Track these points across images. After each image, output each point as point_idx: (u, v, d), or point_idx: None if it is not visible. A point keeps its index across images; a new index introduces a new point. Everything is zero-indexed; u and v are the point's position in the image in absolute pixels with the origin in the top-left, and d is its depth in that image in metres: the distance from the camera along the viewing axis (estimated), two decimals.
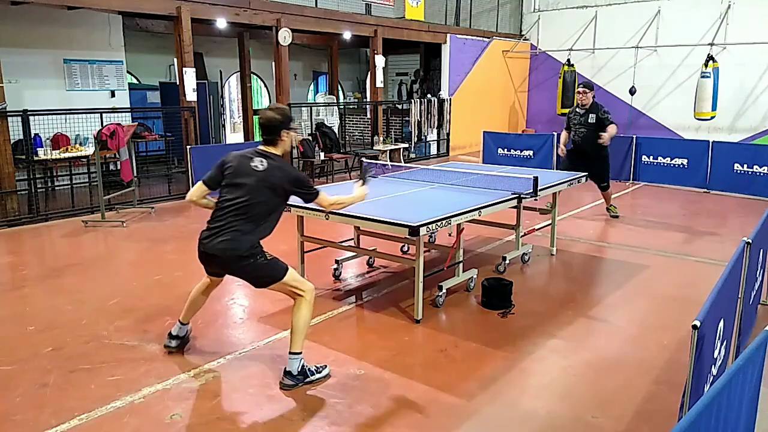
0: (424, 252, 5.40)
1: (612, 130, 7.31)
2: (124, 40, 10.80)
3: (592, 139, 7.39)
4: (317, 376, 3.56)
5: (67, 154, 8.95)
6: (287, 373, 3.50)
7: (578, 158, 7.54)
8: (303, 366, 3.52)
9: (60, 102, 9.64)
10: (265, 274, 3.61)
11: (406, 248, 6.26)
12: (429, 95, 14.46)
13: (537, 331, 4.33)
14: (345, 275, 5.58)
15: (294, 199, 4.71)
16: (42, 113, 8.10)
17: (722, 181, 9.64)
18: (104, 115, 8.66)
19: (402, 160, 13.07)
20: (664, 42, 14.26)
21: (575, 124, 7.62)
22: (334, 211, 4.19)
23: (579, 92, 7.60)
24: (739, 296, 3.42)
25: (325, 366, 3.65)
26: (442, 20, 14.71)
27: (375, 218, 4.20)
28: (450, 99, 14.41)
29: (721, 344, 2.79)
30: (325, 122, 12.10)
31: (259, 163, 3.57)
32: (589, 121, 7.44)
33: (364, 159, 3.98)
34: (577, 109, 7.64)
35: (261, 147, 3.63)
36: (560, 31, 15.89)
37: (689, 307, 4.75)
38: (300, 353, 3.52)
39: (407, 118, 13.98)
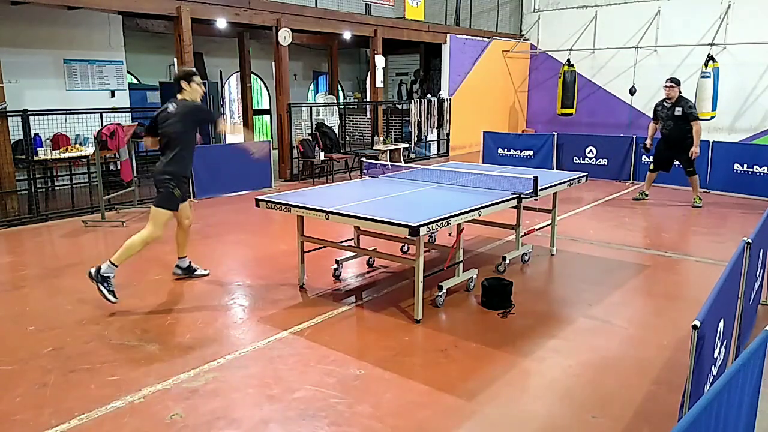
0: (424, 252, 5.40)
1: (696, 127, 8.11)
2: (124, 40, 10.81)
3: (678, 131, 8.20)
4: (106, 293, 4.62)
5: (67, 154, 8.96)
6: (98, 270, 4.67)
7: (667, 148, 8.46)
8: (109, 277, 4.67)
9: (60, 102, 9.65)
10: (158, 194, 4.93)
11: (406, 248, 6.26)
12: (429, 95, 14.46)
13: (537, 331, 4.33)
14: (345, 275, 5.58)
15: (294, 199, 4.81)
16: (42, 113, 8.10)
17: (722, 181, 9.63)
18: (104, 115, 8.66)
19: (402, 160, 13.07)
20: (664, 42, 14.26)
21: (662, 117, 8.32)
22: (335, 211, 4.39)
23: (666, 86, 8.20)
24: (739, 296, 3.42)
25: (116, 298, 4.66)
26: (442, 20, 14.71)
27: (375, 218, 4.20)
28: (450, 99, 14.41)
29: (721, 344, 2.79)
30: (325, 122, 12.10)
31: (170, 106, 4.96)
32: (676, 114, 8.16)
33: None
34: (665, 102, 8.30)
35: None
36: (560, 31, 15.90)
37: (689, 307, 4.75)
38: (116, 266, 4.73)
39: (407, 118, 13.98)
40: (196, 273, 5.48)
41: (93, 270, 4.69)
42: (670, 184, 10.13)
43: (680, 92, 8.25)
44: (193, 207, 5.23)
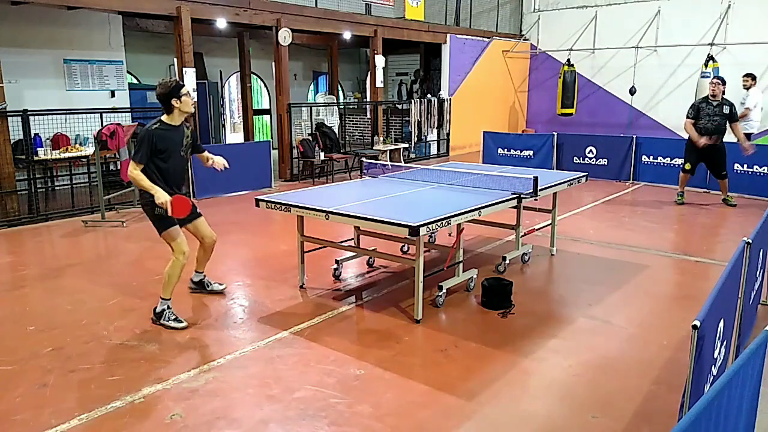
0: (424, 252, 5.40)
1: (738, 129, 8.36)
2: (124, 40, 10.80)
3: (720, 129, 8.27)
4: (170, 324, 4.37)
5: (67, 154, 8.95)
6: (154, 311, 4.46)
7: (702, 147, 8.35)
8: (164, 311, 4.41)
9: (60, 102, 9.64)
10: (154, 223, 4.48)
11: (406, 248, 6.26)
12: (429, 95, 14.46)
13: (537, 331, 4.33)
14: (345, 275, 5.58)
15: (294, 199, 4.81)
16: (42, 113, 8.10)
17: None
18: (104, 115, 8.66)
19: (402, 160, 13.07)
20: (664, 42, 14.26)
21: (708, 114, 8.31)
22: (335, 211, 4.38)
23: (713, 83, 8.34)
24: (739, 296, 3.42)
25: (182, 322, 4.40)
26: (442, 20, 14.71)
27: (375, 218, 4.20)
28: (450, 99, 14.40)
29: (721, 344, 2.79)
30: (325, 122, 12.10)
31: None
32: (724, 111, 8.26)
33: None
34: (709, 100, 8.35)
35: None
36: (560, 31, 15.89)
37: (689, 307, 4.75)
38: (167, 299, 4.44)
39: (407, 118, 13.98)
40: (210, 288, 5.11)
41: (153, 317, 4.47)
42: (670, 184, 10.14)
43: (723, 93, 8.39)
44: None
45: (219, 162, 4.88)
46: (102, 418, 3.20)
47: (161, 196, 4.23)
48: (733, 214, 8.22)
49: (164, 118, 4.44)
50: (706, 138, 8.34)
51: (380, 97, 13.09)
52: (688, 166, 8.68)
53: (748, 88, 10.21)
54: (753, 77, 10.32)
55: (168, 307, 4.43)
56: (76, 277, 5.62)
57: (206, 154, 4.90)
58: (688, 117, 8.50)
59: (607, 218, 7.96)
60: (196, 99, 9.52)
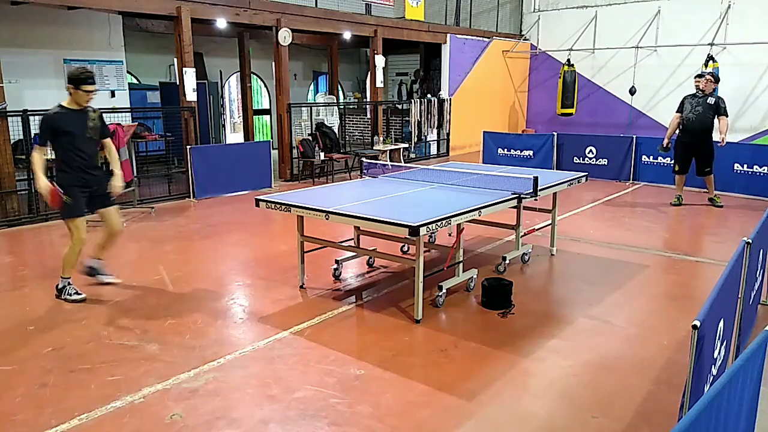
0: (424, 252, 5.40)
1: (724, 122, 8.10)
2: (124, 40, 10.81)
3: (703, 120, 8.12)
4: (71, 297, 4.86)
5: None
6: (56, 288, 4.96)
7: (687, 141, 8.28)
8: (65, 286, 4.90)
9: (60, 102, 9.63)
10: (60, 207, 4.80)
11: (406, 248, 6.26)
12: (429, 95, 14.46)
13: (537, 331, 4.33)
14: (345, 275, 5.58)
15: (294, 199, 4.82)
16: (42, 113, 8.08)
17: (722, 181, 9.61)
18: (104, 115, 8.63)
19: (402, 160, 13.07)
20: (664, 42, 14.26)
21: (692, 104, 8.20)
22: (335, 211, 4.41)
23: (706, 78, 8.22)
24: (739, 296, 3.42)
25: (81, 294, 4.89)
26: (442, 20, 14.71)
27: (375, 218, 4.20)
28: (450, 99, 14.41)
29: (721, 344, 2.79)
30: (325, 122, 12.10)
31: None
32: (708, 102, 8.12)
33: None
34: (696, 93, 8.26)
35: None
36: (560, 31, 15.90)
37: (689, 307, 4.75)
38: (67, 277, 4.93)
39: (407, 118, 13.98)
40: (101, 279, 5.32)
41: (56, 292, 4.98)
42: (671, 184, 10.13)
43: (716, 90, 8.37)
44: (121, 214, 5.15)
45: (115, 184, 5.07)
46: (102, 418, 3.20)
47: (41, 185, 4.60)
48: (733, 214, 8.21)
49: (64, 101, 4.78)
50: (667, 140, 8.51)
51: (380, 97, 13.10)
52: (676, 167, 8.58)
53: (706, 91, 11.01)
54: (718, 79, 11.14)
55: (69, 284, 4.93)
56: (76, 277, 5.61)
57: (108, 144, 5.13)
58: (676, 111, 8.46)
59: (607, 218, 7.96)
60: (196, 99, 9.52)
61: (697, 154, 8.30)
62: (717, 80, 8.39)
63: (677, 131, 8.48)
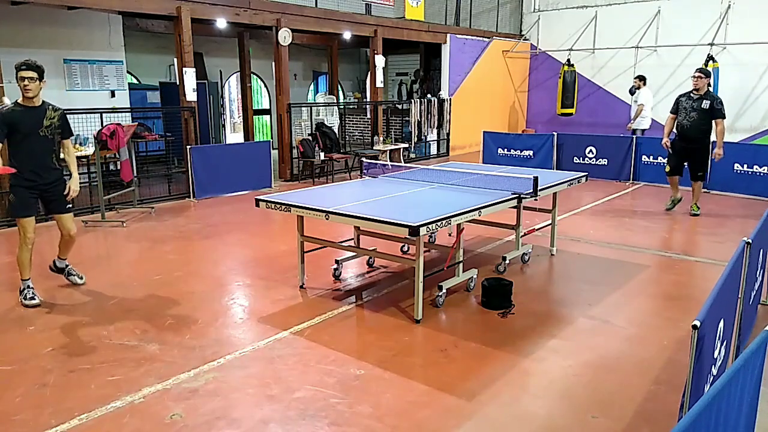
0: (424, 252, 5.40)
1: (721, 126, 7.59)
2: (124, 40, 10.80)
3: (700, 125, 7.60)
4: (25, 301, 4.78)
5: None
6: (20, 290, 4.89)
7: (682, 146, 7.82)
8: (24, 289, 4.84)
9: (60, 102, 9.45)
10: (9, 208, 4.86)
11: (406, 248, 6.26)
12: (429, 95, 14.46)
13: (537, 331, 4.33)
14: (345, 275, 5.58)
15: (294, 199, 4.81)
16: None
17: (722, 181, 9.63)
18: (104, 115, 8.65)
19: (402, 160, 13.07)
20: (664, 42, 14.26)
21: (686, 108, 7.69)
22: (335, 211, 4.40)
23: (695, 76, 7.67)
24: (739, 296, 3.42)
25: (35, 299, 4.81)
26: (442, 20, 14.71)
27: (375, 218, 4.20)
28: (450, 99, 14.41)
29: (721, 344, 2.79)
30: (325, 122, 12.10)
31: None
32: (703, 106, 7.56)
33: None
34: (691, 94, 7.72)
35: None
36: (560, 31, 15.90)
37: (689, 307, 4.75)
38: (26, 279, 4.86)
39: (407, 118, 13.98)
40: (69, 277, 5.33)
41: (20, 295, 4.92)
42: (669, 184, 10.13)
43: (709, 85, 7.75)
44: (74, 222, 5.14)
45: (72, 186, 4.99)
46: (102, 418, 3.20)
47: None
48: (733, 214, 8.21)
49: (20, 99, 4.68)
50: (667, 139, 7.97)
51: (380, 97, 13.10)
52: (667, 168, 8.17)
53: (638, 89, 11.63)
54: (642, 78, 11.71)
55: (28, 287, 4.85)
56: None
57: (68, 145, 4.99)
58: (670, 112, 8.00)
59: (607, 218, 7.95)
60: (196, 99, 9.52)
61: (691, 158, 7.86)
62: (707, 75, 7.69)
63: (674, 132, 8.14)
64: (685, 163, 8.01)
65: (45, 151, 4.74)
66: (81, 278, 5.37)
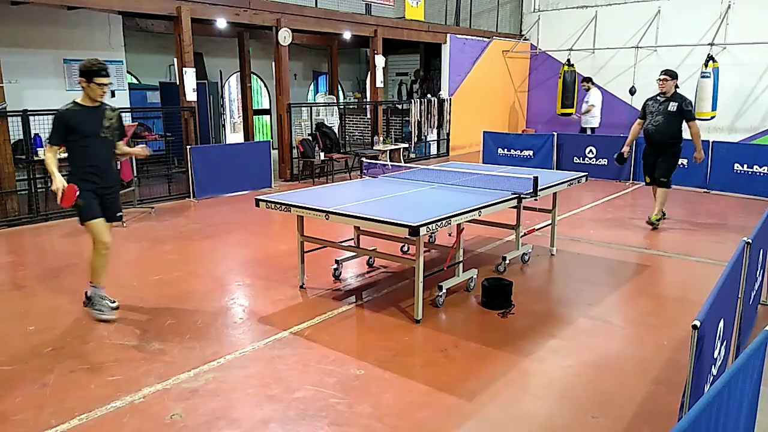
0: (424, 252, 5.40)
1: (695, 128, 7.04)
2: (124, 40, 10.80)
3: (667, 130, 7.01)
4: (99, 314, 4.49)
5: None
6: (86, 295, 4.61)
7: (651, 152, 7.30)
8: (92, 297, 4.56)
9: (60, 102, 9.48)
10: (76, 211, 4.51)
11: (406, 248, 6.26)
12: (429, 95, 14.46)
13: (537, 331, 4.33)
14: (345, 275, 5.58)
15: (294, 199, 4.82)
16: (42, 113, 8.09)
17: (722, 181, 9.64)
18: None
19: (402, 160, 13.07)
20: (664, 42, 14.26)
21: (652, 112, 7.16)
22: (335, 211, 4.40)
23: (660, 79, 7.10)
24: (739, 296, 3.42)
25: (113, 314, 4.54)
26: (442, 20, 14.71)
27: (375, 218, 4.20)
28: (450, 99, 14.41)
29: (721, 344, 2.79)
30: (325, 122, 12.10)
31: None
32: (669, 109, 6.98)
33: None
34: (658, 97, 7.17)
35: None
36: (560, 31, 15.89)
37: (689, 307, 4.75)
38: (95, 285, 4.56)
39: (407, 118, 13.98)
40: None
41: (85, 299, 4.65)
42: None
43: (677, 87, 7.16)
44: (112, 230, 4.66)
45: (140, 152, 4.88)
46: (102, 418, 3.20)
47: (57, 182, 4.25)
48: (734, 214, 8.22)
49: (78, 98, 4.42)
50: (627, 148, 7.49)
51: (380, 97, 13.10)
52: (647, 179, 7.53)
53: (588, 90, 12.29)
54: (590, 80, 12.44)
55: (102, 297, 4.58)
56: (76, 277, 5.61)
57: (121, 146, 4.70)
58: (639, 117, 7.39)
59: (607, 218, 7.95)
60: (196, 99, 9.52)
61: (658, 162, 7.23)
62: (674, 76, 7.05)
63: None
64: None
65: (107, 154, 4.52)
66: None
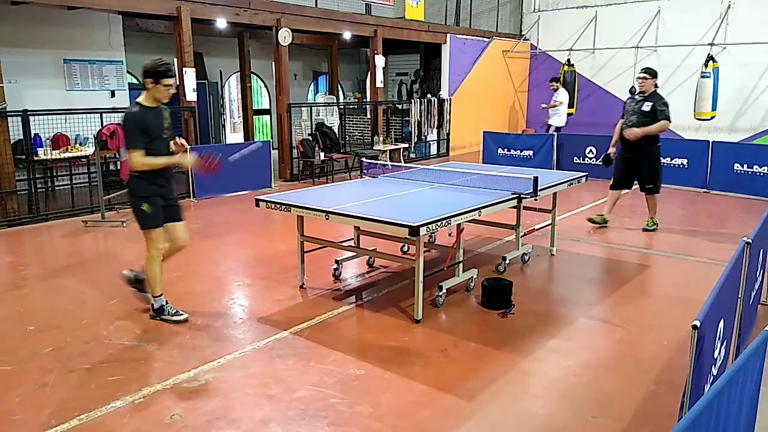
0: (424, 252, 5.40)
1: (658, 125, 6.69)
2: (124, 40, 10.80)
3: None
4: (171, 317, 4.42)
5: (67, 154, 8.95)
6: (153, 308, 4.49)
7: (625, 155, 7.03)
8: (162, 306, 4.45)
9: (60, 102, 9.64)
10: (137, 217, 4.41)
11: (406, 248, 6.26)
12: (429, 95, 14.46)
13: (537, 331, 4.33)
14: (345, 275, 5.58)
15: (294, 199, 4.81)
16: (42, 113, 8.10)
17: (722, 181, 9.63)
18: (104, 115, 8.65)
19: (402, 160, 13.07)
20: (664, 42, 14.26)
21: (627, 111, 6.98)
22: (335, 211, 4.39)
23: (639, 77, 6.89)
24: (739, 296, 3.42)
25: (182, 314, 4.46)
26: (442, 20, 14.71)
27: (375, 218, 4.20)
28: (450, 99, 14.41)
29: (721, 344, 2.79)
30: (325, 122, 12.10)
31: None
32: (643, 108, 6.76)
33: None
34: (636, 96, 6.96)
35: None
36: (560, 31, 15.89)
37: (689, 307, 4.75)
38: (158, 295, 4.45)
39: (407, 118, 13.98)
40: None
41: (152, 311, 4.50)
42: (670, 184, 10.12)
43: (656, 86, 6.93)
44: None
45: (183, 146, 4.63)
46: (102, 418, 3.20)
47: (186, 162, 4.26)
48: (733, 214, 8.22)
49: (139, 98, 4.25)
50: (613, 149, 7.18)
51: (380, 97, 13.10)
52: (613, 182, 7.32)
53: (555, 90, 12.57)
54: (557, 80, 12.78)
55: (166, 302, 4.48)
56: (76, 277, 5.62)
57: (171, 144, 4.52)
58: (621, 116, 7.18)
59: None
60: (196, 99, 9.52)
61: (638, 170, 7.02)
62: (653, 75, 6.84)
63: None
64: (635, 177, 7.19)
65: (167, 155, 4.38)
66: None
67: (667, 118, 6.74)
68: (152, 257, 4.37)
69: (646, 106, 6.78)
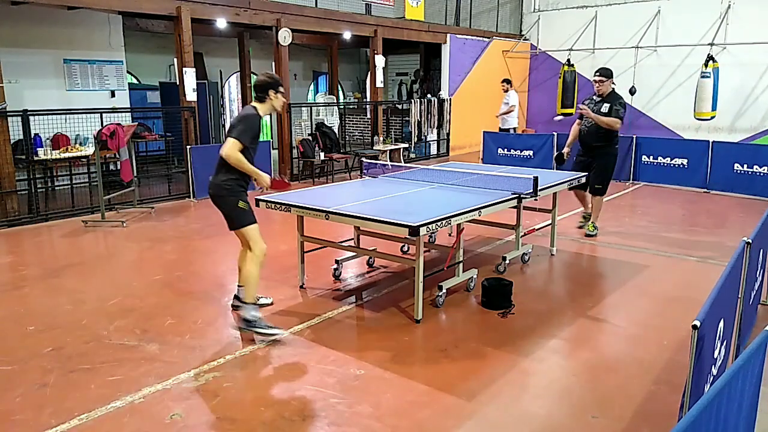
0: (424, 252, 5.40)
1: (609, 119, 6.59)
2: (124, 40, 10.81)
3: (597, 132, 6.72)
4: (263, 330, 4.15)
5: (67, 154, 8.96)
6: (243, 320, 4.19)
7: (581, 152, 7.03)
8: (255, 317, 4.17)
9: (60, 102, 9.64)
10: (233, 215, 4.24)
11: (406, 248, 6.26)
12: (429, 95, 14.46)
13: (537, 331, 4.33)
14: (345, 275, 5.58)
15: (294, 199, 4.81)
16: (42, 113, 8.10)
17: (722, 181, 9.64)
18: (104, 115, 8.66)
19: (402, 160, 13.07)
20: (664, 42, 14.26)
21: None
22: (335, 211, 4.39)
23: (594, 80, 6.78)
24: (739, 296, 3.42)
25: (275, 330, 4.20)
26: (442, 20, 14.71)
27: (375, 218, 4.20)
28: (450, 99, 14.40)
29: (721, 344, 2.79)
30: (325, 122, 12.10)
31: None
32: (602, 110, 6.67)
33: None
34: (594, 97, 6.85)
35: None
36: (560, 31, 15.89)
37: (689, 307, 4.75)
38: (253, 303, 4.22)
39: (407, 118, 13.98)
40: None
41: (242, 323, 4.22)
42: (671, 184, 10.14)
43: (614, 87, 6.80)
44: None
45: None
46: (102, 418, 3.20)
47: (264, 180, 4.19)
48: (733, 214, 8.22)
49: (257, 106, 4.30)
50: (567, 149, 7.14)
51: (380, 97, 13.10)
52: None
53: (506, 91, 12.41)
54: (508, 81, 12.52)
55: (258, 315, 4.20)
56: (76, 277, 5.62)
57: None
58: (577, 118, 7.11)
59: (607, 218, 7.94)
60: (196, 99, 9.52)
61: (591, 169, 6.86)
62: (608, 76, 6.72)
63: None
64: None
65: (253, 158, 4.33)
66: (268, 298, 4.78)
67: (620, 118, 6.66)
68: (256, 256, 4.23)
69: (605, 108, 6.68)
